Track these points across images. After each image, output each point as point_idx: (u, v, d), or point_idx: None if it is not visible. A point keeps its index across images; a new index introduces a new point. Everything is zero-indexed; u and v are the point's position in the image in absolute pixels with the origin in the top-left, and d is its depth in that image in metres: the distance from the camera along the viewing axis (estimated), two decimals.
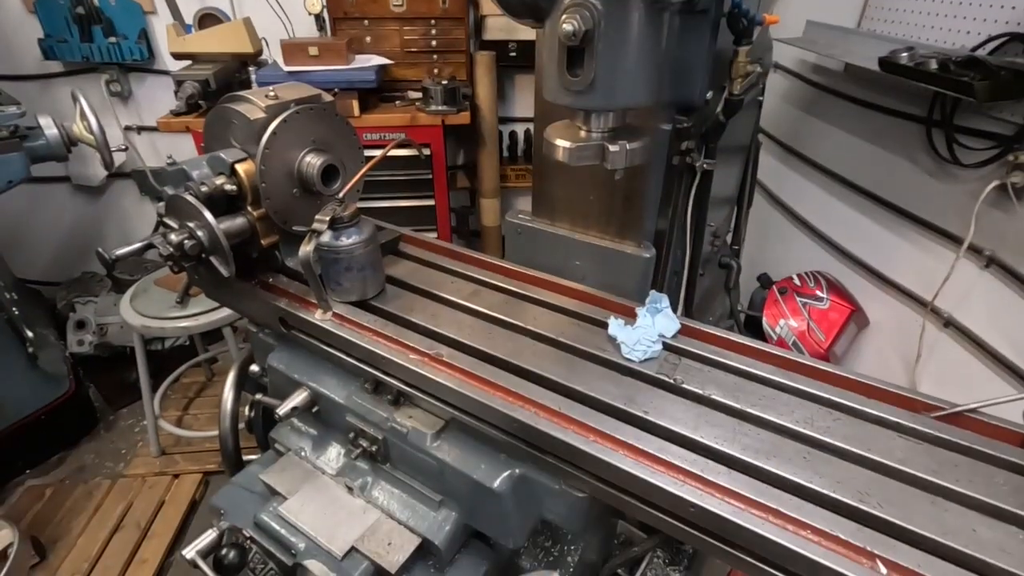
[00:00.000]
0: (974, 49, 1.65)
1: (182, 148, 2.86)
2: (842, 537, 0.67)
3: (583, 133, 0.89)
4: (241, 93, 1.08)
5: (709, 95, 1.18)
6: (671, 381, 0.92)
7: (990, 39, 1.62)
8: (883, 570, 0.64)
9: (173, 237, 0.99)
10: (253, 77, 2.69)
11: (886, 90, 2.05)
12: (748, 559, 0.72)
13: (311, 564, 0.97)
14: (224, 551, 1.04)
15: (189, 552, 1.04)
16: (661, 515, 0.78)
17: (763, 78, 1.49)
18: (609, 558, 1.33)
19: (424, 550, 1.02)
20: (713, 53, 1.13)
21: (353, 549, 0.99)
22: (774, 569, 0.70)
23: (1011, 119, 1.59)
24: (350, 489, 1.08)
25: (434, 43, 2.78)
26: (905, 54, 1.67)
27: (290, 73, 2.50)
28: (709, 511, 0.71)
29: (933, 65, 1.60)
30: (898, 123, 2.00)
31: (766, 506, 0.71)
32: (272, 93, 1.07)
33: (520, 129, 3.27)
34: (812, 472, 0.76)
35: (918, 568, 0.63)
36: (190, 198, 0.99)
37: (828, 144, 2.43)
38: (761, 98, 1.70)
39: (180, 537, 2.33)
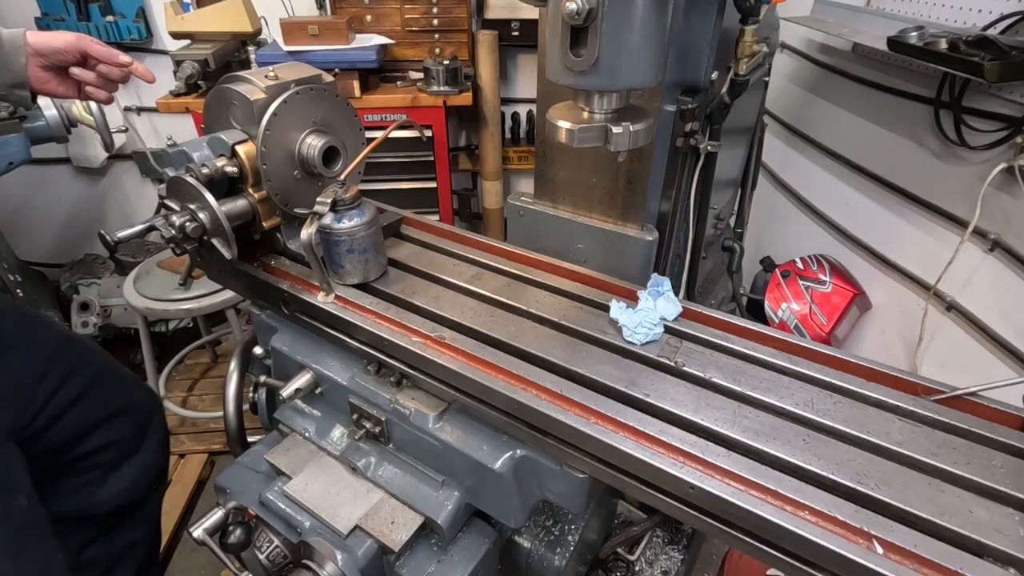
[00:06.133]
0: (985, 28, 1.62)
1: (182, 129, 2.84)
2: (839, 518, 0.67)
3: (586, 114, 0.88)
4: (241, 73, 1.07)
5: (714, 75, 1.17)
6: (672, 364, 0.92)
7: (1002, 18, 1.59)
8: (879, 550, 0.65)
9: (175, 219, 0.99)
10: (252, 57, 2.65)
11: (894, 70, 2.02)
12: (746, 539, 0.73)
13: (316, 542, 0.99)
14: (230, 529, 1.05)
15: (196, 530, 1.05)
16: (661, 496, 0.79)
17: (769, 58, 1.48)
18: (609, 537, 1.35)
19: (427, 529, 1.03)
20: (719, 32, 1.11)
21: (357, 527, 1.00)
22: (771, 549, 0.71)
23: (1021, 100, 1.57)
24: (354, 469, 1.09)
25: (435, 22, 2.74)
26: (915, 33, 1.64)
27: (290, 53, 2.46)
28: (708, 492, 0.72)
29: (943, 45, 1.57)
30: (906, 104, 1.98)
31: (765, 487, 0.72)
32: (272, 73, 1.06)
33: (523, 110, 3.24)
34: (811, 454, 0.76)
35: (914, 548, 0.64)
36: (191, 180, 0.99)
37: (834, 126, 2.40)
38: (767, 79, 1.68)
39: (187, 515, 2.37)
